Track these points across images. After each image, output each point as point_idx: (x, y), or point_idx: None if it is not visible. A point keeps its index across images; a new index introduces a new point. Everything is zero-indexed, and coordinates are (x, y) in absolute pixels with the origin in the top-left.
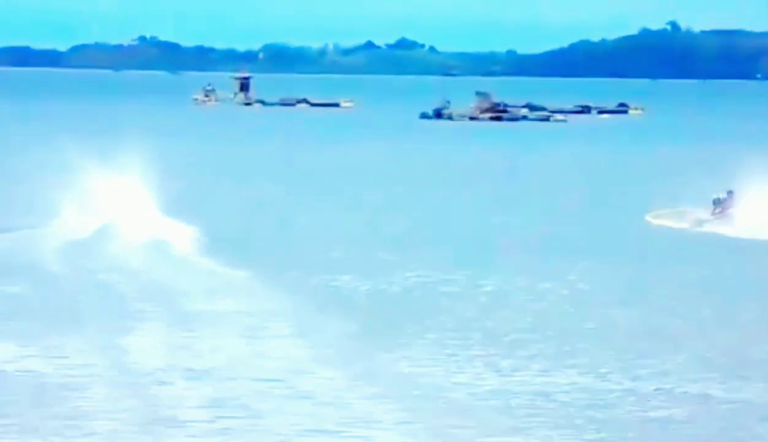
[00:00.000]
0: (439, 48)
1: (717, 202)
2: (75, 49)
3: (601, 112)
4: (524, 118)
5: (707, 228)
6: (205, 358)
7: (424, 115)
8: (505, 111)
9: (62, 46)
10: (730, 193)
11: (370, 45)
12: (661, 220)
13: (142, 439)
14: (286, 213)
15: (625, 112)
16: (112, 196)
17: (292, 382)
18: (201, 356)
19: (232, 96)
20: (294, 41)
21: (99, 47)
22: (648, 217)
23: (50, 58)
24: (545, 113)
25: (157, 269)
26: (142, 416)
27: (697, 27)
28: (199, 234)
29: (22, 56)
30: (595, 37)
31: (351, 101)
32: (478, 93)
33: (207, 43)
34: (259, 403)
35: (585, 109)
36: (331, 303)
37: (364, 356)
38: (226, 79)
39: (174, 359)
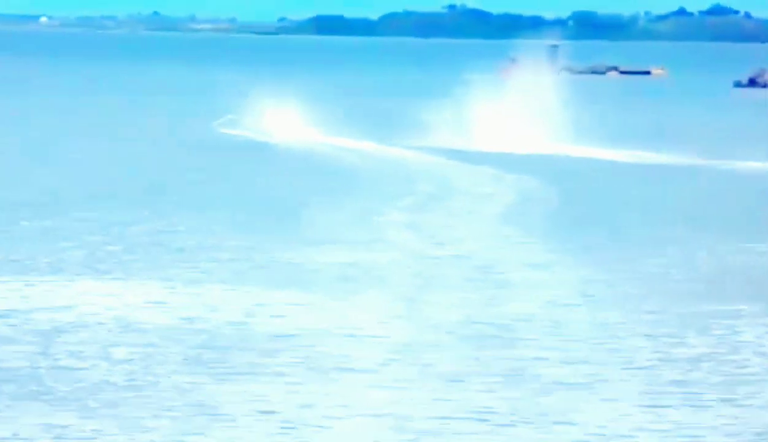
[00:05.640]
0: (755, 14)
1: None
2: (385, 18)
3: None
4: None
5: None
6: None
7: (737, 84)
8: None
9: (374, 15)
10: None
11: (682, 11)
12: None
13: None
14: (613, 184)
15: None
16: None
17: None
18: (501, 324)
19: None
20: (604, 9)
21: (409, 15)
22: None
23: (362, 27)
24: None
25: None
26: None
27: None
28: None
29: (336, 25)
30: None
31: (662, 69)
32: None
33: (515, 11)
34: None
35: None
36: (649, 283)
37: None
38: (534, 46)
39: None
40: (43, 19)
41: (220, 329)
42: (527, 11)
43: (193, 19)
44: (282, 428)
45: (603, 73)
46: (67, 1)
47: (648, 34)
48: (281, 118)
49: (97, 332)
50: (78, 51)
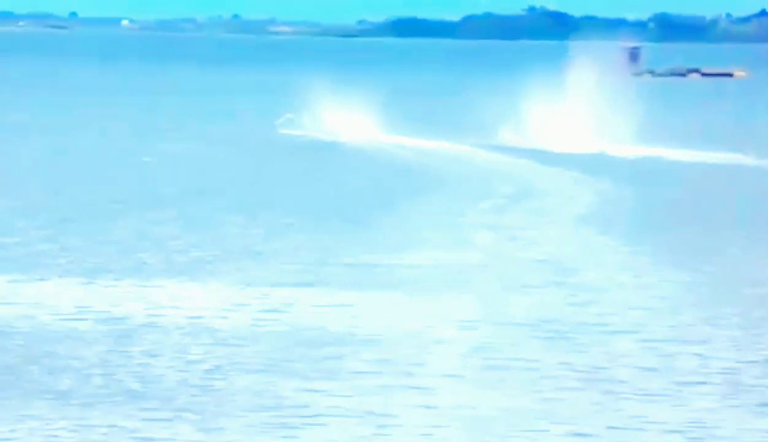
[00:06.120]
0: None
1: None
2: (465, 20)
3: None
4: None
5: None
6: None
7: None
8: None
9: (454, 17)
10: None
11: (764, 13)
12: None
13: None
14: (692, 185)
15: None
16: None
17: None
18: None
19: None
20: (685, 11)
21: (488, 17)
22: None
23: (442, 29)
24: None
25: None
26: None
27: None
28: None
29: (416, 27)
30: None
31: (744, 71)
32: None
33: (596, 13)
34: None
35: None
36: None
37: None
38: (614, 48)
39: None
40: (125, 22)
41: (297, 330)
42: (608, 13)
43: (272, 22)
44: (360, 428)
45: (684, 75)
46: (148, 5)
47: (730, 36)
48: (348, 118)
49: (174, 334)
50: (157, 54)
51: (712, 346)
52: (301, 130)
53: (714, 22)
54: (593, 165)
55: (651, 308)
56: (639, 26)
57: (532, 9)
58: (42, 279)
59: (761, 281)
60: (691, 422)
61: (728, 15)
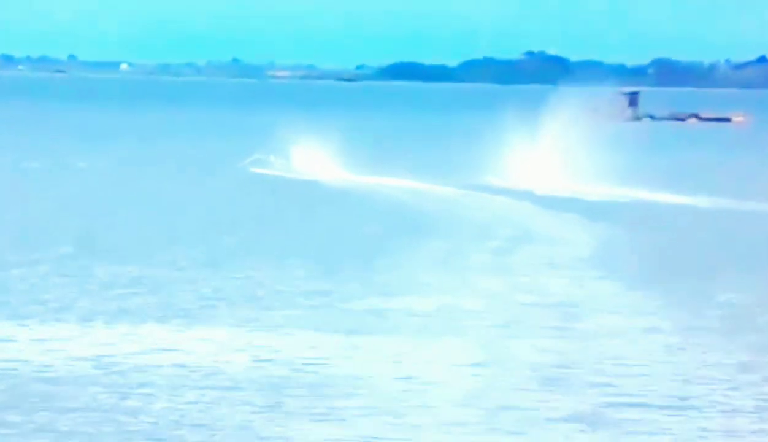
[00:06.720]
0: None
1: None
2: (464, 65)
3: None
4: None
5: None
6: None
7: None
8: None
9: (452, 62)
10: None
11: (763, 59)
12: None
13: None
14: (691, 229)
15: None
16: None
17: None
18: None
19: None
20: (684, 56)
21: (488, 62)
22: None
23: (441, 74)
24: None
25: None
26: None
27: None
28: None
29: (414, 71)
30: None
31: (743, 116)
32: None
33: (595, 58)
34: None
35: None
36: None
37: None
38: (614, 93)
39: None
40: (124, 66)
41: (293, 374)
42: (607, 58)
43: (272, 66)
44: None
45: (683, 119)
46: (148, 49)
47: (728, 82)
48: (330, 159)
49: (170, 376)
50: (154, 97)
51: (716, 386)
52: (272, 169)
53: (713, 67)
54: (589, 209)
55: (652, 352)
56: (639, 71)
57: (531, 53)
58: (38, 321)
59: (761, 326)
60: None
61: (727, 61)
